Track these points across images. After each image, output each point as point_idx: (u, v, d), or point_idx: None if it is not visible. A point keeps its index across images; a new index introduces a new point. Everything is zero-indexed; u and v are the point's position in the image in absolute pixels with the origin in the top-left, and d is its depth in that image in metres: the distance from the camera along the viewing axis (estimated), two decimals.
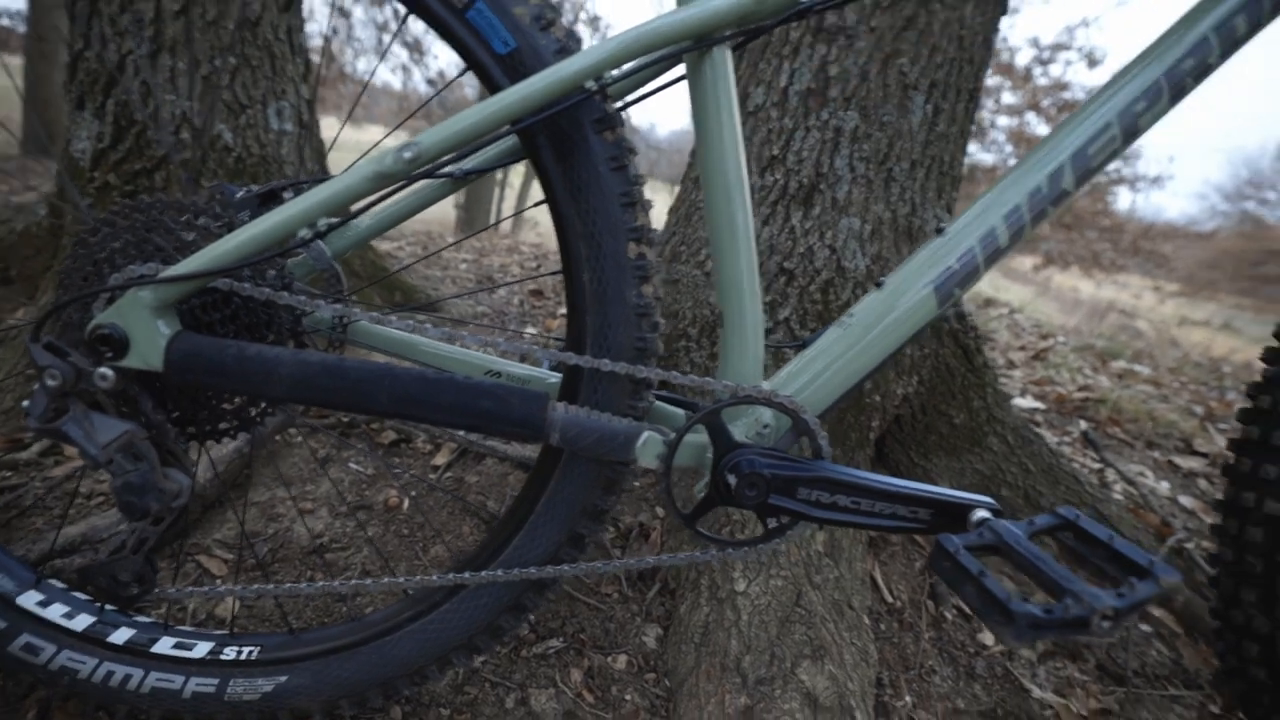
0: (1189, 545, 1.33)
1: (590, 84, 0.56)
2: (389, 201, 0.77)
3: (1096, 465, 1.78)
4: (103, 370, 0.56)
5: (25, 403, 0.56)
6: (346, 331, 0.75)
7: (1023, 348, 3.10)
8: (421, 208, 0.79)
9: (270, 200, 0.70)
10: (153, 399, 0.61)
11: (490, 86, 0.59)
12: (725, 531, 1.06)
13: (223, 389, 0.61)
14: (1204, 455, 1.98)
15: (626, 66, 0.58)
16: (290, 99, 1.50)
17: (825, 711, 0.81)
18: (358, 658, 0.72)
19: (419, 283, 2.18)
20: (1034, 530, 0.57)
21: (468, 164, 0.71)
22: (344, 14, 7.60)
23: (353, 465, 1.22)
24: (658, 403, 0.71)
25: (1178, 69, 0.63)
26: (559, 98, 0.55)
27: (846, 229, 1.21)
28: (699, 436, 0.65)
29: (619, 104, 0.67)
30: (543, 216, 0.66)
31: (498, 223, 7.35)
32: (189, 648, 0.71)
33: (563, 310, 2.07)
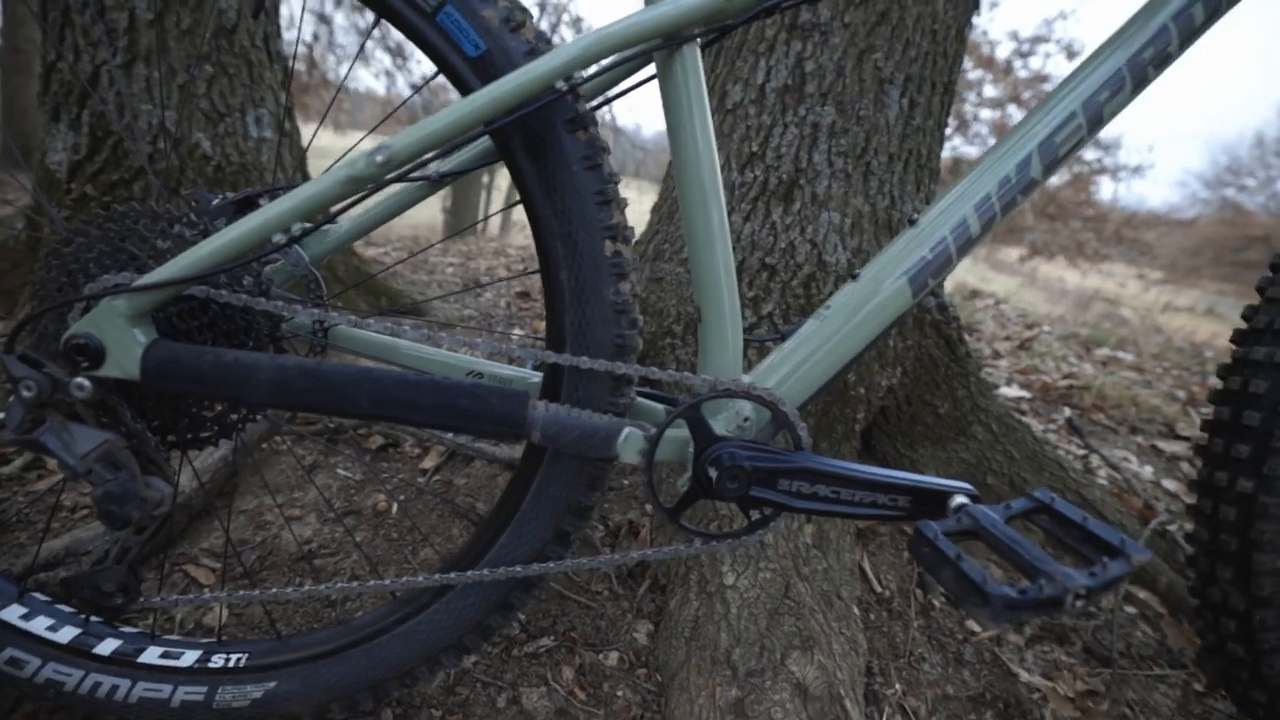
0: (1171, 528, 1.35)
1: (561, 84, 0.56)
2: (367, 206, 0.77)
3: (1081, 451, 1.81)
4: (79, 380, 0.56)
5: (1, 414, 0.56)
6: (327, 337, 0.75)
7: (1008, 338, 3.13)
8: (400, 211, 0.79)
9: (246, 207, 0.70)
10: (131, 408, 0.61)
11: (462, 89, 0.60)
12: (713, 526, 1.07)
13: (201, 396, 0.61)
14: (1186, 439, 2.01)
15: (597, 66, 0.58)
16: (269, 106, 1.49)
17: (815, 701, 0.82)
18: (346, 661, 0.72)
19: (405, 287, 2.17)
20: (1010, 514, 0.58)
21: (444, 166, 0.71)
22: (324, 20, 7.56)
23: (340, 471, 1.22)
24: (639, 399, 0.71)
25: (1139, 58, 0.64)
26: (530, 98, 0.56)
27: (827, 223, 1.22)
28: (680, 431, 0.65)
29: (592, 104, 0.68)
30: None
31: (476, 224, 7.33)
32: (176, 657, 0.71)
33: None
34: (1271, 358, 0.80)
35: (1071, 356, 2.90)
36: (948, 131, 1.37)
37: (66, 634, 0.69)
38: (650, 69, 0.66)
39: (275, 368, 0.57)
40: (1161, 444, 1.94)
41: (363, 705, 0.73)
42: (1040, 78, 9.25)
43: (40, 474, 1.12)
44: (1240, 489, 0.80)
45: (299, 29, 0.70)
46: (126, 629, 0.73)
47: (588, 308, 0.62)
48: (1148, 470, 1.75)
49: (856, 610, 1.03)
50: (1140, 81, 0.65)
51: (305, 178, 1.61)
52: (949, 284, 1.84)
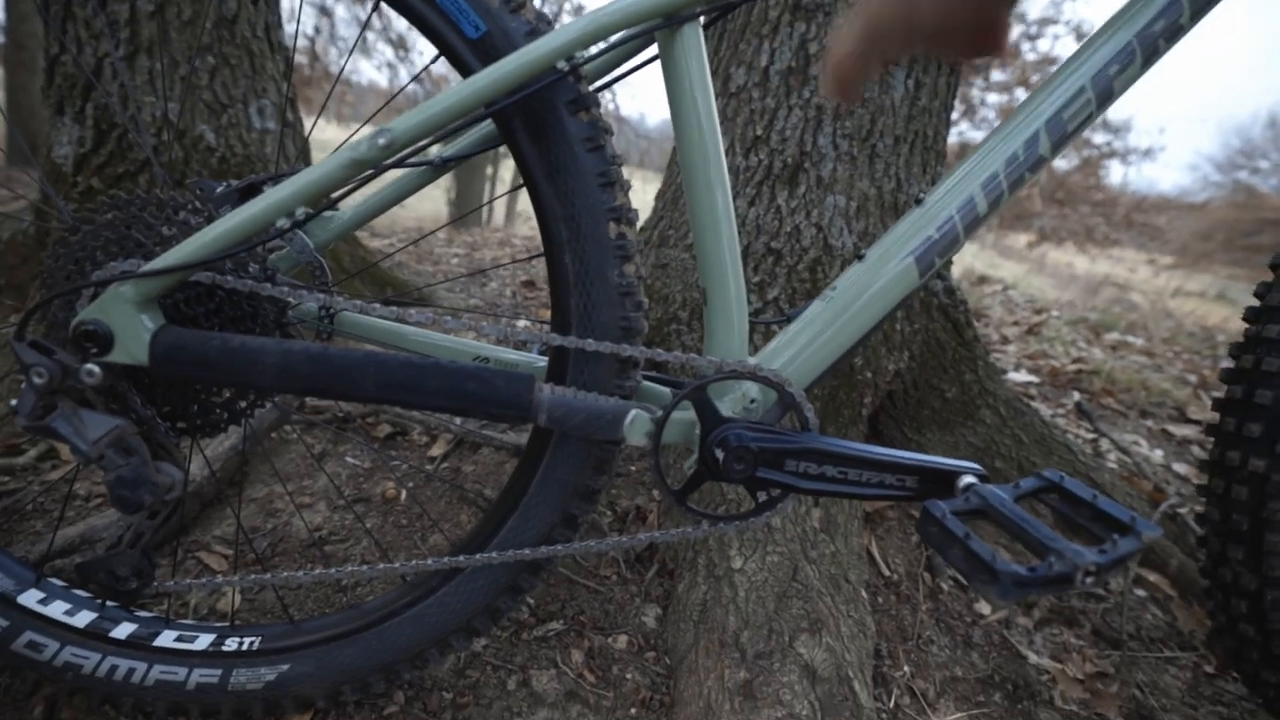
0: (1182, 510, 1.35)
1: (562, 64, 0.56)
2: (370, 191, 0.77)
3: (1090, 435, 1.80)
4: (89, 366, 0.57)
5: (13, 402, 0.57)
6: (333, 322, 0.75)
7: (1016, 323, 3.11)
8: (403, 196, 0.79)
9: (250, 194, 0.70)
10: (141, 394, 0.61)
11: (464, 72, 0.59)
12: (721, 510, 1.07)
13: (209, 381, 0.62)
14: (1197, 423, 1.99)
15: (598, 46, 0.58)
16: (272, 97, 1.49)
17: (823, 683, 0.82)
18: (358, 644, 0.72)
19: (410, 278, 2.18)
20: (1019, 494, 0.58)
21: (447, 151, 0.71)
22: (325, 13, 7.53)
23: (349, 459, 1.23)
24: (645, 382, 0.71)
25: (1149, 31, 0.63)
26: (531, 79, 0.55)
27: (832, 206, 1.21)
28: (686, 413, 0.65)
29: (595, 85, 0.68)
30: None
31: (480, 207, 7.33)
32: (191, 640, 0.72)
33: None
34: None
35: (1080, 341, 2.88)
36: (954, 116, 1.35)
37: (83, 618, 0.70)
38: (653, 50, 0.65)
39: (281, 352, 0.57)
40: (1172, 428, 1.93)
41: (374, 687, 0.73)
42: (1049, 60, 9.11)
43: (54, 463, 1.13)
44: (1252, 468, 0.79)
45: (298, 17, 0.69)
46: (142, 613, 0.74)
47: (592, 290, 0.62)
48: (1158, 454, 1.74)
49: (864, 593, 1.03)
50: (1151, 54, 0.64)
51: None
52: (956, 270, 1.83)
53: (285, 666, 0.71)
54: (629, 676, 0.88)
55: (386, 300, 1.78)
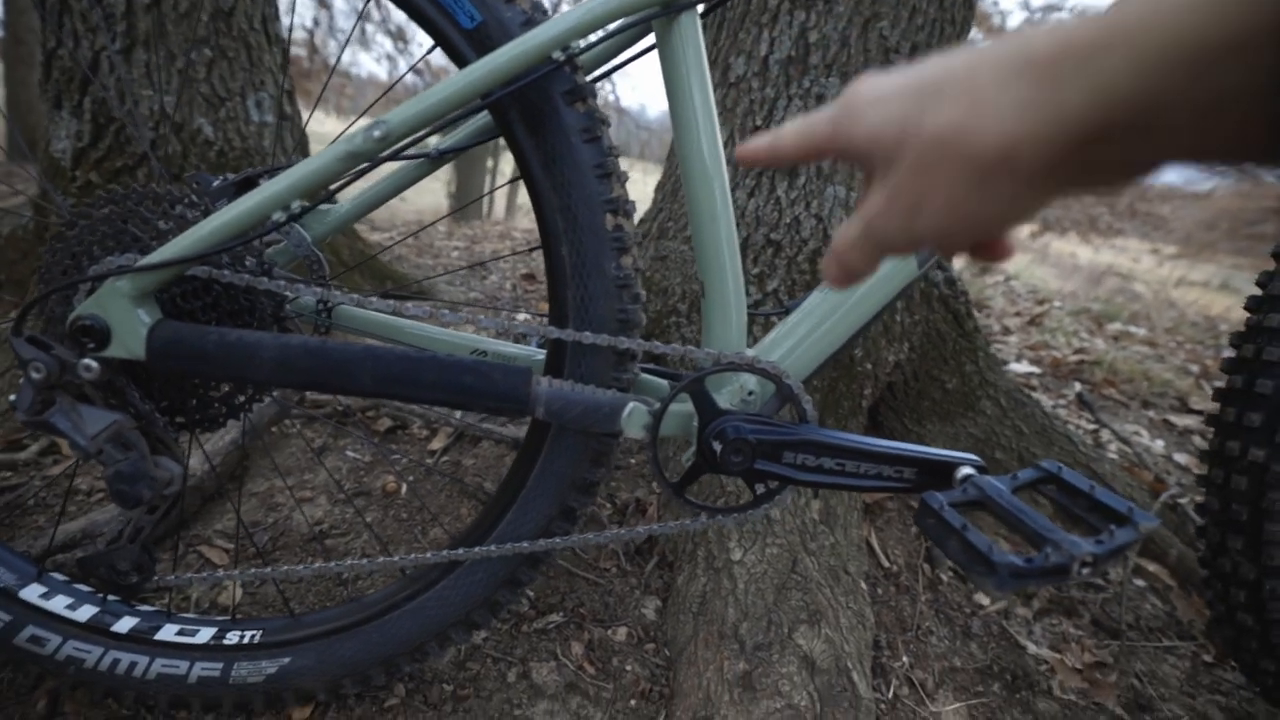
0: (1182, 500, 1.35)
1: (558, 54, 0.55)
2: (367, 184, 0.77)
3: (1092, 426, 1.79)
4: (87, 361, 0.57)
5: (12, 397, 0.57)
6: (331, 316, 0.75)
7: (1018, 314, 3.10)
8: (400, 189, 0.78)
9: (247, 188, 0.70)
10: (139, 389, 0.61)
11: (459, 63, 0.59)
12: (720, 502, 1.07)
13: (206, 375, 0.62)
14: (1199, 413, 1.98)
15: (594, 36, 0.57)
16: (270, 90, 1.48)
17: (822, 674, 0.83)
18: (359, 637, 0.73)
19: (410, 271, 2.18)
20: (1017, 485, 0.58)
21: (443, 143, 0.71)
22: (324, 4, 7.49)
23: (349, 453, 1.23)
24: (643, 375, 0.71)
25: None
26: (526, 70, 0.55)
27: (832, 197, 1.20)
28: (684, 405, 0.65)
29: (592, 75, 0.67)
30: None
31: (480, 198, 7.32)
32: (192, 634, 0.72)
33: None
34: None
35: (1083, 332, 2.87)
36: None
37: (85, 612, 0.71)
38: (650, 39, 0.65)
39: (279, 346, 0.57)
40: (1173, 418, 1.92)
41: (375, 680, 0.74)
42: None
43: (56, 458, 1.14)
44: (1252, 458, 0.79)
45: (292, 7, 0.69)
46: (143, 607, 0.74)
47: (589, 282, 0.62)
48: (1159, 444, 1.74)
49: (864, 585, 1.03)
50: None
51: None
52: (957, 261, 1.82)
53: (286, 660, 0.72)
54: (629, 668, 0.88)
55: (384, 294, 1.78)
